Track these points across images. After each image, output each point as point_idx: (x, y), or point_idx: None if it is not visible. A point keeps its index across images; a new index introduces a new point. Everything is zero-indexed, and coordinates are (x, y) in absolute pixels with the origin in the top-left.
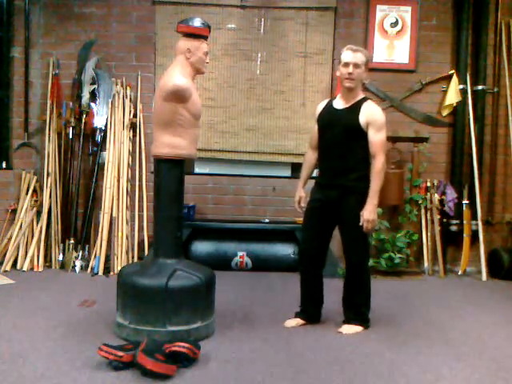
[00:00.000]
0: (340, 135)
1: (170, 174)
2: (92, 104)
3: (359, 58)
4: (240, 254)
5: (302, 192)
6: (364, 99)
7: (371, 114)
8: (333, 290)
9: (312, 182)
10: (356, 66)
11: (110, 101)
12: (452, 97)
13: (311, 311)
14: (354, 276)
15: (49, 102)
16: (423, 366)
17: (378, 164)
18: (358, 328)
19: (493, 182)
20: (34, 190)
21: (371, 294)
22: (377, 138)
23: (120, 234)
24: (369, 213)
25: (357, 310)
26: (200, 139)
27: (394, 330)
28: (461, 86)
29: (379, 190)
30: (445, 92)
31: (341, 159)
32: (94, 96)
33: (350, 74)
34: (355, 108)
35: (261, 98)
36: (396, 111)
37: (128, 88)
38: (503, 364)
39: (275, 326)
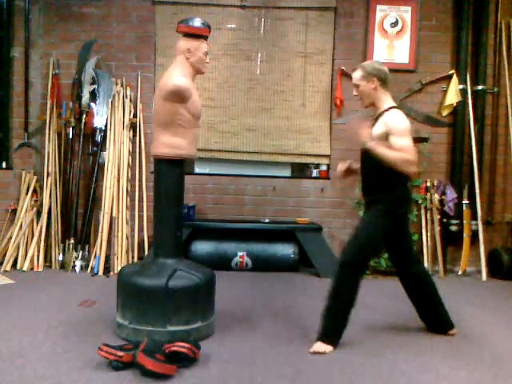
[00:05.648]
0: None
1: (170, 173)
2: (92, 104)
3: (355, 76)
4: (240, 254)
5: None
6: (387, 110)
7: (389, 122)
8: None
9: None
10: (355, 86)
11: (110, 101)
12: (452, 97)
13: None
14: (334, 278)
15: (49, 102)
16: (423, 366)
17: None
18: (327, 348)
19: (493, 182)
20: (34, 190)
21: (348, 316)
22: (398, 145)
23: (120, 234)
24: (363, 132)
25: (324, 322)
26: (200, 139)
27: (394, 329)
28: (461, 86)
29: (384, 157)
30: (445, 92)
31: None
32: (94, 96)
33: (355, 95)
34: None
35: (261, 98)
36: None
37: (128, 88)
38: (503, 364)
39: (275, 326)
